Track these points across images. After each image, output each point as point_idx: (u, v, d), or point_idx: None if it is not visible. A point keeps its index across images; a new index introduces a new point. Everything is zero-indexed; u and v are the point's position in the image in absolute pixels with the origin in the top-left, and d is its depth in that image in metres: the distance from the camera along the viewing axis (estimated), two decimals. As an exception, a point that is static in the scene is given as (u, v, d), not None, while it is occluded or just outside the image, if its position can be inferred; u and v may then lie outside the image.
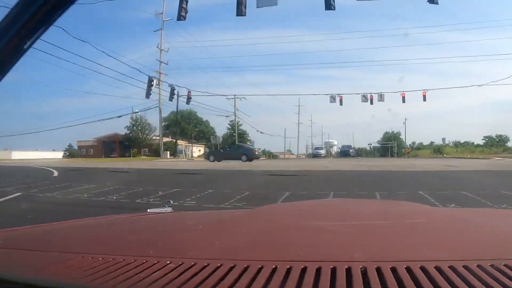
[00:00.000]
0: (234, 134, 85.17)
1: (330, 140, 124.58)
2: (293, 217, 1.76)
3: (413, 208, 1.95)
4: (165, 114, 72.74)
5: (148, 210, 2.24)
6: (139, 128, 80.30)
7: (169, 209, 2.24)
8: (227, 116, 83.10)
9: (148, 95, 51.31)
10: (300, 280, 0.86)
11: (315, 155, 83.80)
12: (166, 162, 45.48)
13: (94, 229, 1.79)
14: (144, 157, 68.74)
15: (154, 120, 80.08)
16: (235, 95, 79.82)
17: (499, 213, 2.57)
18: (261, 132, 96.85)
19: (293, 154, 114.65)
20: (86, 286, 0.88)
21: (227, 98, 79.60)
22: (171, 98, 56.38)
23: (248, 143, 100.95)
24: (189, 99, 57.34)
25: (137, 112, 69.99)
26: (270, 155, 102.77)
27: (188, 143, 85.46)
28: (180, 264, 0.97)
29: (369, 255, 1.00)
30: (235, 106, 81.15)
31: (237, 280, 0.87)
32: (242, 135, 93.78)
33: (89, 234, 1.65)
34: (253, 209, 2.12)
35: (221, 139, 79.51)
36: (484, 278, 0.85)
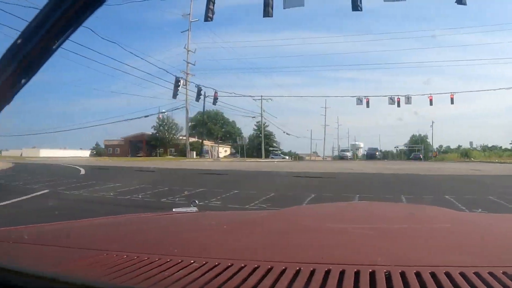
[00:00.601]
0: (260, 135, 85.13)
1: (357, 143, 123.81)
2: (318, 219, 1.76)
3: (439, 213, 1.93)
4: (191, 114, 73.11)
5: (174, 210, 2.26)
6: (166, 128, 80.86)
7: (194, 209, 2.23)
8: (254, 117, 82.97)
9: (175, 95, 51.58)
10: (324, 283, 0.85)
11: (341, 157, 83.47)
12: (192, 162, 45.71)
13: (119, 227, 1.81)
14: (171, 157, 69.12)
15: (180, 120, 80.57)
16: (261, 96, 79.84)
17: None
18: (287, 134, 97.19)
19: (319, 156, 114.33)
20: (110, 283, 0.88)
21: (253, 99, 79.59)
22: (197, 99, 56.66)
23: (275, 144, 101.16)
24: (215, 99, 57.48)
25: (164, 112, 70.62)
26: (296, 157, 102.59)
27: (214, 143, 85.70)
28: (204, 264, 0.97)
29: (393, 259, 0.99)
30: (261, 107, 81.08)
31: (260, 280, 0.86)
32: (269, 136, 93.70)
33: (114, 232, 1.68)
34: (278, 210, 2.13)
35: (247, 140, 79.42)
36: (509, 285, 0.83)
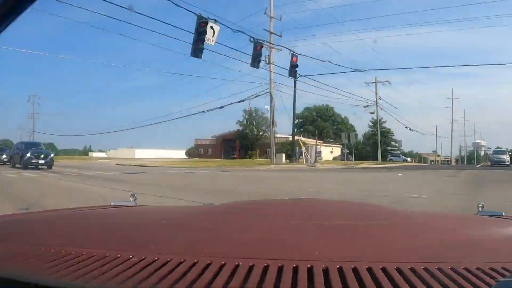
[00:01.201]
0: (376, 132, 70.05)
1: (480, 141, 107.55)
2: (256, 215, 1.74)
3: (377, 209, 1.94)
4: (277, 103, 54.85)
5: (112, 203, 2.21)
6: (254, 124, 70.40)
7: (133, 202, 2.18)
8: (367, 106, 67.07)
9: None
10: (262, 278, 0.87)
11: (496, 163, 55.69)
12: (269, 170, 33.00)
13: (56, 222, 1.74)
14: (259, 159, 57.09)
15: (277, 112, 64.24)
16: (376, 78, 64.64)
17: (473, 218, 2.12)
18: (410, 129, 78.24)
19: (439, 155, 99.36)
20: (70, 281, 0.88)
21: (365, 83, 64.83)
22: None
23: (393, 143, 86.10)
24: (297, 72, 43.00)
25: (250, 99, 54.32)
26: (419, 159, 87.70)
27: (322, 142, 71.79)
28: (143, 259, 0.97)
29: (331, 255, 1.01)
30: (376, 92, 65.84)
31: (199, 275, 0.89)
32: (386, 134, 79.30)
33: (61, 226, 1.60)
34: (215, 205, 2.10)
35: (354, 138, 61.13)
36: (443, 280, 0.87)
